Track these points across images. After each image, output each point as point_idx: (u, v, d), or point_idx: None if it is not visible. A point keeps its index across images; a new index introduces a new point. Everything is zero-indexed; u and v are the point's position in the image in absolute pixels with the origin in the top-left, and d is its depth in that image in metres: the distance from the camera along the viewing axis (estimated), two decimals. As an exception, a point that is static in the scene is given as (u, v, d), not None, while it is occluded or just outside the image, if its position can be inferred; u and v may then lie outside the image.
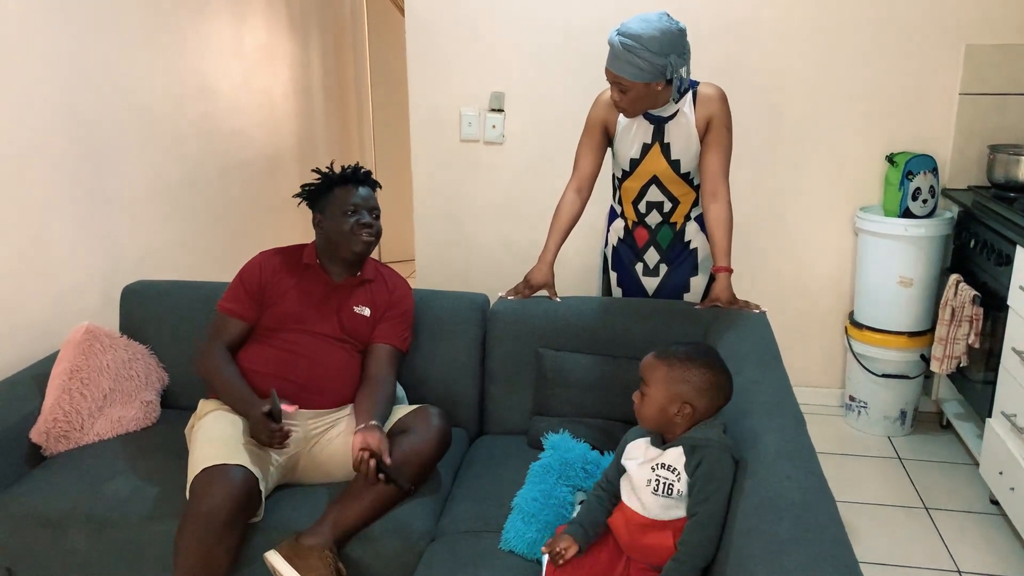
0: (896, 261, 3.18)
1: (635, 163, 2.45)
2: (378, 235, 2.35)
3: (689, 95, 2.38)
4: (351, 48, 5.39)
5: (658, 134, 2.40)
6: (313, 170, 2.36)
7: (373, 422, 2.07)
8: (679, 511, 1.63)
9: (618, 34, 2.22)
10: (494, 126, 3.53)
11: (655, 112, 2.38)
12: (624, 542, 1.71)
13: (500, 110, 3.52)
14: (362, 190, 2.34)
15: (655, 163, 2.43)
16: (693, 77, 2.46)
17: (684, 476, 1.61)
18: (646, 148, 2.42)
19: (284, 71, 4.32)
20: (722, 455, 1.60)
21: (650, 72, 2.21)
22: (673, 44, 2.21)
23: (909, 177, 3.12)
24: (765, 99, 3.35)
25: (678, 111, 2.37)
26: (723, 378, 1.68)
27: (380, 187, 2.42)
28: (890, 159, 3.24)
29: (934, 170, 3.14)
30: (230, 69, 3.74)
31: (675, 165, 2.42)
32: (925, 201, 3.14)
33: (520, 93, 3.50)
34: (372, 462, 1.96)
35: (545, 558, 1.69)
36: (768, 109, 3.36)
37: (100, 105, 2.87)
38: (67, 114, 2.71)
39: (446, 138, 3.59)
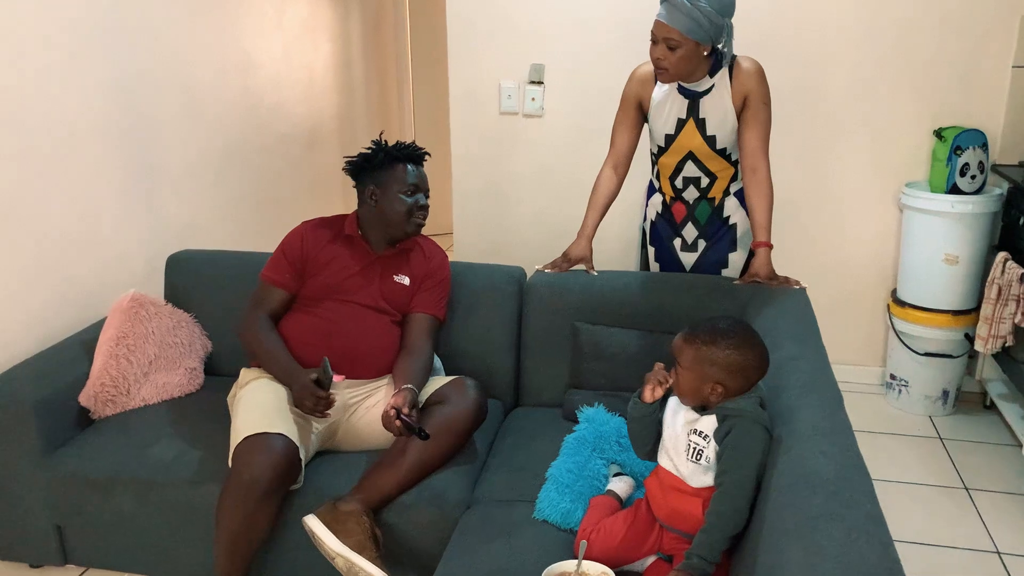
0: (942, 238, 3.12)
1: (670, 139, 2.42)
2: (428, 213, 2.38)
3: (725, 69, 2.34)
4: (391, 21, 5.38)
5: (693, 109, 2.37)
6: (373, 141, 2.36)
7: (408, 386, 2.10)
8: (707, 478, 1.64)
9: None
10: (533, 99, 3.52)
11: (689, 86, 2.35)
12: (656, 505, 1.72)
13: (540, 82, 3.50)
14: (419, 170, 2.35)
15: (690, 139, 2.40)
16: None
17: (713, 443, 1.62)
18: (681, 123, 2.39)
19: (325, 45, 4.33)
20: (752, 426, 1.60)
21: (707, 30, 2.19)
22: (730, 9, 2.20)
23: (957, 152, 3.05)
24: (809, 71, 3.29)
25: (713, 86, 2.34)
26: (752, 356, 1.65)
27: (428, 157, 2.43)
28: (938, 134, 3.17)
29: (984, 145, 3.06)
30: (272, 43, 3.76)
31: (710, 141, 2.38)
32: (974, 177, 3.07)
33: (560, 65, 3.47)
34: (398, 422, 1.99)
35: (583, 545, 1.70)
36: (812, 81, 3.30)
37: (145, 78, 2.91)
38: (113, 87, 2.76)
39: (485, 111, 3.58)
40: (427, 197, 2.35)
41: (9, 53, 2.35)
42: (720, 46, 2.27)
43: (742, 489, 1.56)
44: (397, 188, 2.29)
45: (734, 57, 2.36)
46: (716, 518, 1.56)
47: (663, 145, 2.45)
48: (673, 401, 1.76)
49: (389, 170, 2.31)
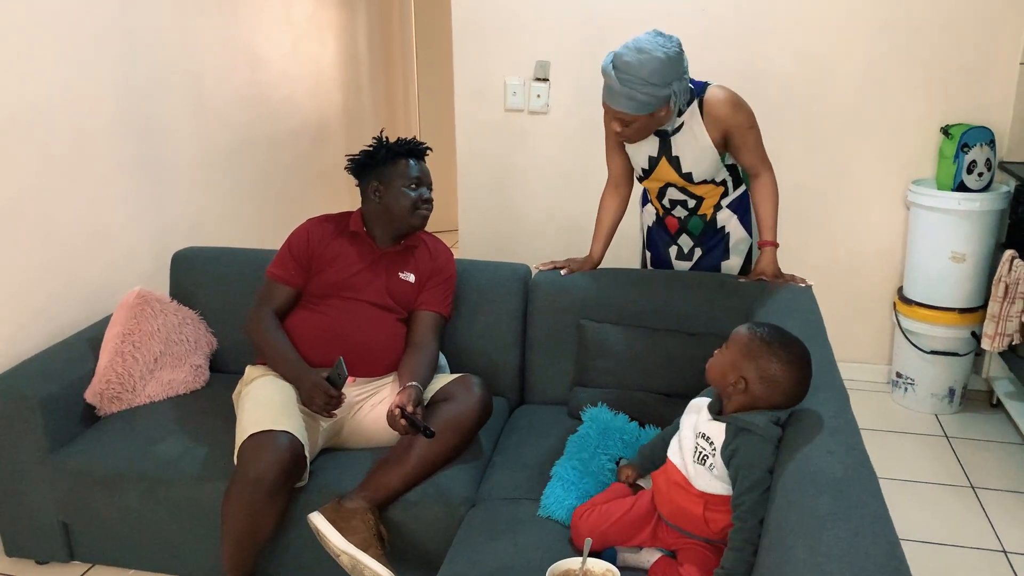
0: (949, 236, 3.11)
1: (647, 172, 2.39)
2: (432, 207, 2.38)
3: (695, 105, 2.24)
4: (397, 17, 5.38)
5: (664, 147, 2.31)
6: (374, 138, 2.37)
7: (413, 383, 2.10)
8: (710, 485, 1.64)
9: (614, 68, 2.09)
10: (539, 95, 3.51)
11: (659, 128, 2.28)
12: (661, 499, 1.73)
13: (545, 79, 3.50)
14: (421, 164, 2.35)
15: (666, 174, 2.35)
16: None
17: (718, 455, 1.62)
18: (653, 161, 2.35)
19: (331, 41, 4.33)
20: (760, 444, 1.59)
21: (653, 104, 2.11)
22: (675, 69, 2.08)
23: (964, 150, 3.04)
24: (815, 67, 3.28)
25: (683, 123, 2.25)
26: (789, 378, 1.63)
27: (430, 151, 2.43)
28: (945, 131, 3.15)
29: (991, 142, 3.05)
30: (279, 38, 3.76)
31: (687, 177, 2.33)
32: (981, 174, 3.06)
33: (565, 62, 3.47)
34: (403, 420, 1.99)
35: (588, 543, 1.71)
36: (819, 77, 3.29)
37: (153, 73, 2.92)
38: (120, 83, 2.76)
39: (491, 108, 3.58)
40: (431, 191, 2.35)
41: (18, 54, 2.35)
42: (673, 103, 2.16)
43: (761, 506, 1.56)
44: (401, 183, 2.30)
45: (702, 89, 2.25)
46: (742, 536, 1.55)
47: (641, 175, 2.43)
48: (695, 402, 1.77)
49: (392, 165, 2.31)
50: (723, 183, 2.40)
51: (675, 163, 2.31)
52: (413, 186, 2.31)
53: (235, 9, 3.39)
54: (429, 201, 2.34)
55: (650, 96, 2.09)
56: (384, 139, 2.35)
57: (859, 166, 3.37)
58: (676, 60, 2.09)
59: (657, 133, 2.30)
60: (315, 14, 4.12)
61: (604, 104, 2.18)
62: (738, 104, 2.25)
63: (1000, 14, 3.10)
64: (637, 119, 2.15)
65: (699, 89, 2.26)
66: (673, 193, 2.42)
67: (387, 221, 2.33)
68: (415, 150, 2.35)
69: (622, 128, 2.19)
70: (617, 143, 2.43)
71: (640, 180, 2.48)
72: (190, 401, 2.48)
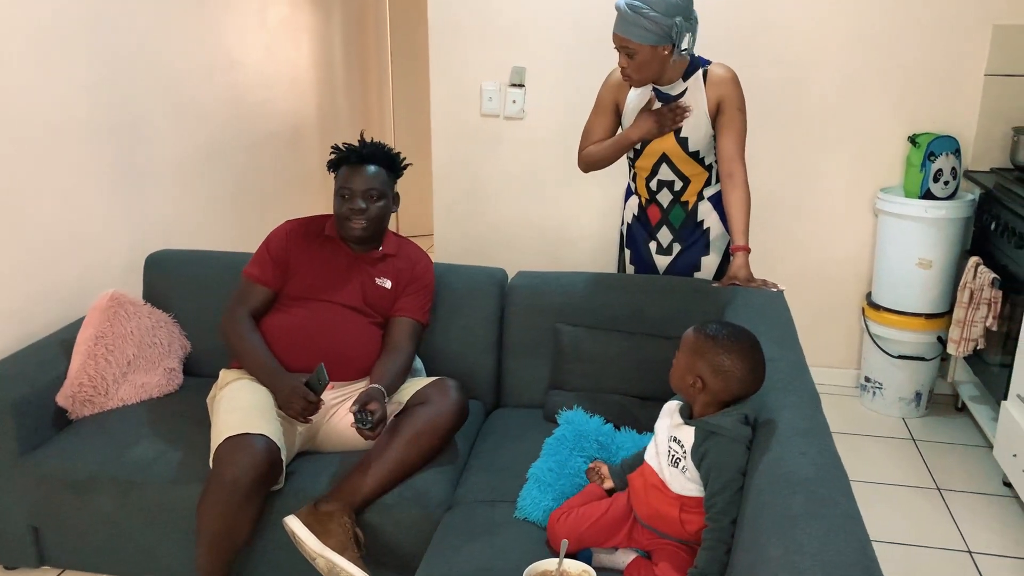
0: (916, 243, 3.17)
1: (645, 141, 2.45)
2: (375, 220, 2.29)
3: (699, 73, 2.37)
4: (372, 21, 5.37)
5: None
6: (332, 145, 2.37)
7: (375, 385, 2.10)
8: (685, 488, 1.66)
9: None
10: (515, 101, 3.53)
11: (663, 89, 2.38)
12: (638, 501, 1.75)
13: (521, 85, 3.52)
14: (369, 170, 2.27)
15: (663, 140, 2.41)
16: (709, 55, 2.44)
17: (689, 458, 1.65)
18: None
19: (306, 44, 4.32)
20: (730, 445, 1.62)
21: (656, 34, 2.21)
22: (679, 7, 2.23)
23: (931, 158, 3.10)
24: (787, 76, 3.33)
25: (686, 89, 2.37)
26: (740, 367, 1.66)
27: (404, 165, 2.39)
28: (912, 140, 3.22)
29: (956, 151, 3.11)
30: (255, 42, 3.75)
31: (683, 143, 2.40)
32: (947, 183, 3.12)
33: (541, 68, 3.49)
34: (355, 425, 1.99)
35: (564, 544, 1.72)
36: (790, 87, 3.34)
37: (130, 76, 2.89)
38: (98, 85, 2.74)
39: (466, 113, 3.59)
40: (371, 200, 2.27)
41: (-13, 50, 2.33)
42: (683, 45, 2.28)
43: (733, 506, 1.59)
44: (337, 191, 2.29)
45: (709, 63, 2.38)
46: (715, 535, 1.58)
47: (639, 148, 2.48)
48: (668, 405, 1.79)
49: (339, 172, 2.31)
50: (709, 168, 2.47)
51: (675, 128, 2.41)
52: (346, 195, 2.27)
53: (211, 11, 3.38)
54: (360, 211, 2.25)
55: (653, 24, 2.20)
56: (346, 145, 2.34)
57: (829, 174, 3.42)
58: (679, 4, 2.23)
59: (661, 98, 2.39)
60: (290, 17, 4.11)
61: (613, 36, 2.28)
62: (738, 83, 2.39)
63: (966, 27, 3.18)
64: (641, 50, 2.24)
65: (704, 62, 2.39)
66: (663, 172, 2.47)
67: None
68: (348, 157, 2.29)
69: (627, 62, 2.29)
70: (605, 125, 2.50)
71: (633, 160, 2.52)
72: (163, 405, 2.46)
